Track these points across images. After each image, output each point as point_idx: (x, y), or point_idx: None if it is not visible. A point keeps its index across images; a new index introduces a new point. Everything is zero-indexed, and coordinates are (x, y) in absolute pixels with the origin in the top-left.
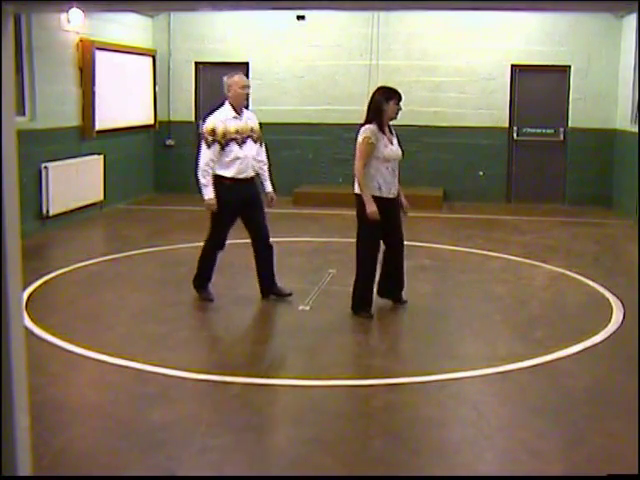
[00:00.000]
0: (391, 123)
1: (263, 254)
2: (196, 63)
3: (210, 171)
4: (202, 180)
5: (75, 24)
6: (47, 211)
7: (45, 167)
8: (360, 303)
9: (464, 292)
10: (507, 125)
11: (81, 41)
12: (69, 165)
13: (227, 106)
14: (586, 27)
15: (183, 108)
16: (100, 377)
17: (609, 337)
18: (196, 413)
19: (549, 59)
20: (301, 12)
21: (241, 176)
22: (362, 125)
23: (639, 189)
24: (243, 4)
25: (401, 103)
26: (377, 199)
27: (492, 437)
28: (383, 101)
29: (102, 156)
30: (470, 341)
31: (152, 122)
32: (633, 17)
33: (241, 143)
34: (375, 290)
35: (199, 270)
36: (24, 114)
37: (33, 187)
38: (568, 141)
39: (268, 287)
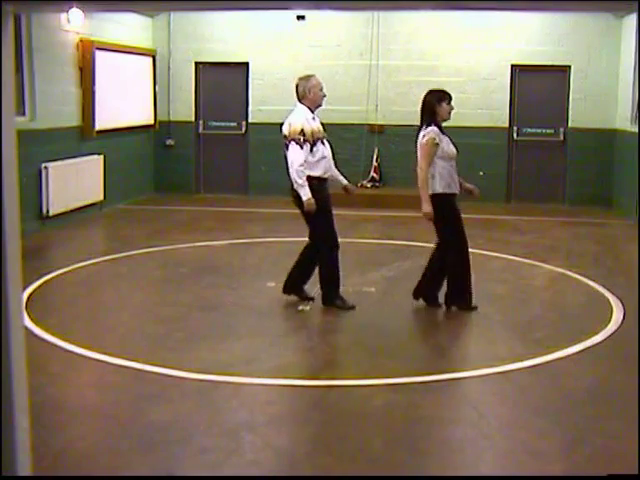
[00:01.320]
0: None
1: (317, 255)
2: (196, 63)
3: (305, 171)
4: (299, 181)
5: (75, 24)
6: (47, 211)
7: (45, 167)
8: (470, 298)
9: None
10: (507, 125)
11: (81, 41)
12: (69, 165)
13: (304, 108)
14: (586, 27)
15: (183, 108)
16: (100, 377)
17: (609, 337)
18: (196, 413)
19: (549, 59)
20: (301, 12)
21: (326, 175)
22: (420, 128)
23: (639, 189)
24: (243, 4)
25: (452, 102)
26: (449, 196)
27: (492, 437)
28: (435, 103)
29: (102, 156)
30: (470, 341)
31: (152, 122)
32: (633, 17)
33: (323, 143)
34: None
35: (329, 283)
36: (24, 114)
37: (33, 187)
38: (568, 141)
39: (301, 285)
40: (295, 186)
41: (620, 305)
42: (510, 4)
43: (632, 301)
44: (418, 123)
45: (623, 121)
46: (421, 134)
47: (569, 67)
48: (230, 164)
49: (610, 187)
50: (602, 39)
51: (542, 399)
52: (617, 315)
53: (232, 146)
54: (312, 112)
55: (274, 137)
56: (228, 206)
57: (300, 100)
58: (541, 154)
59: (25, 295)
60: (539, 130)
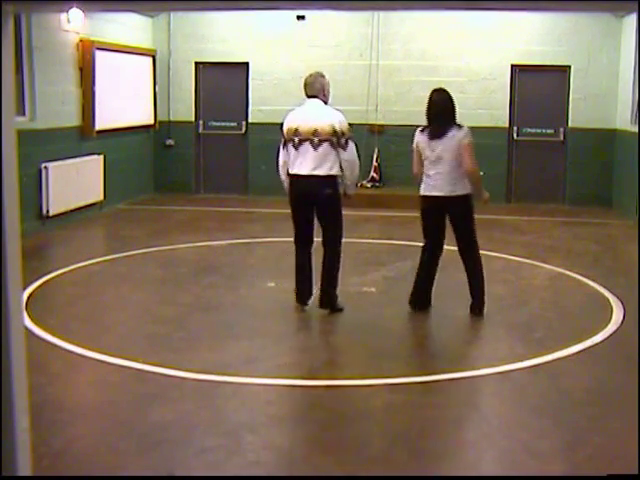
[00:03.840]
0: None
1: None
2: (196, 63)
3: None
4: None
5: (75, 24)
6: (47, 211)
7: (45, 167)
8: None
9: (464, 292)
10: (507, 125)
11: (81, 41)
12: (69, 165)
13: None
14: (586, 27)
15: (183, 108)
16: (100, 377)
17: (609, 337)
18: (196, 413)
19: (549, 59)
20: (301, 12)
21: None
22: (448, 127)
23: (639, 189)
24: (242, 4)
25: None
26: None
27: (492, 437)
28: (454, 101)
29: (102, 156)
30: (470, 341)
31: (152, 122)
32: (633, 17)
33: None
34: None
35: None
36: (24, 114)
37: (33, 187)
38: (568, 141)
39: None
40: (356, 182)
41: (620, 305)
42: (510, 4)
43: (632, 301)
44: (419, 123)
45: (623, 121)
46: (457, 134)
47: (569, 67)
48: (230, 164)
49: (610, 187)
50: (602, 39)
51: (542, 399)
52: (617, 315)
53: (232, 146)
54: None
55: (274, 137)
56: (228, 206)
57: (320, 97)
58: (541, 154)
59: (25, 295)
60: (539, 130)
